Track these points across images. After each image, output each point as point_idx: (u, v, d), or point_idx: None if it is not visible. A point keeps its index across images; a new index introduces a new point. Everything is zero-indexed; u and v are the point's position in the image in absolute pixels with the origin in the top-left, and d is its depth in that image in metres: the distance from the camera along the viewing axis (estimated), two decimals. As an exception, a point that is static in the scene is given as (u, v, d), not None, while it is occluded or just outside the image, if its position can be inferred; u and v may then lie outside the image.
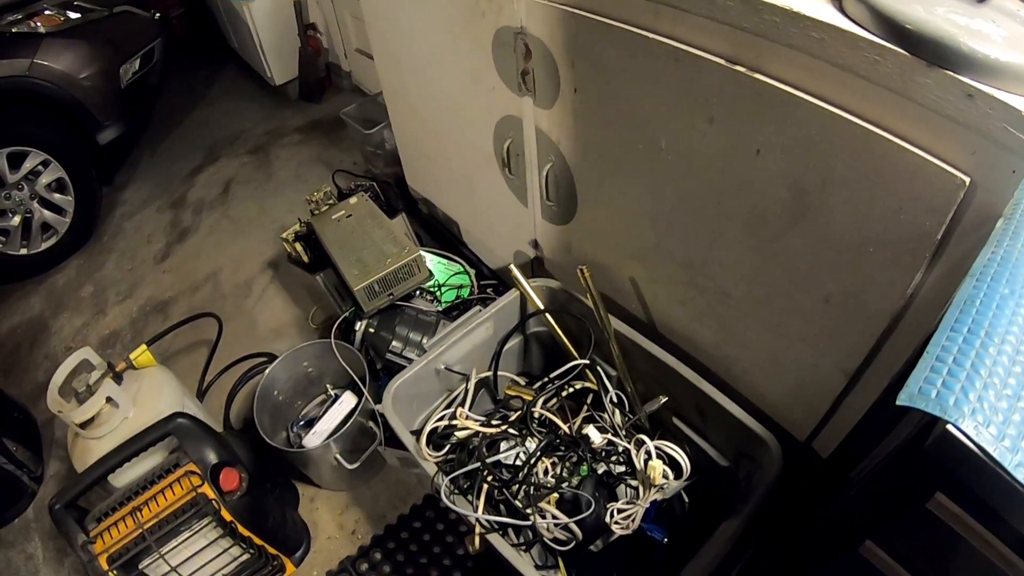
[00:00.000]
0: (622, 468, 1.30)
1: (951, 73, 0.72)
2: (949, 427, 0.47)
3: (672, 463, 1.24)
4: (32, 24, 2.71)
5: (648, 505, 1.22)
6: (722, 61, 0.95)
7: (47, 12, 2.79)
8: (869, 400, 1.05)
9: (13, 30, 2.66)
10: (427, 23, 1.58)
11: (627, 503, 1.23)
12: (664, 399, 1.31)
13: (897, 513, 0.63)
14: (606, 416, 1.35)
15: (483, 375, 1.48)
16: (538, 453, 1.26)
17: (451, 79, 1.62)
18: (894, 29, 0.76)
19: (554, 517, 1.20)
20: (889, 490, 0.63)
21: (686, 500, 1.30)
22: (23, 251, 2.79)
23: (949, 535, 0.57)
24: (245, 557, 1.58)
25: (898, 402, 0.49)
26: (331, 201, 2.14)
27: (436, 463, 1.29)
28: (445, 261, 2.02)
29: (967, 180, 0.76)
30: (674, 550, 1.24)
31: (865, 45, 0.78)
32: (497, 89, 1.45)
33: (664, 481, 1.21)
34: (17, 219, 2.71)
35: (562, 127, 1.35)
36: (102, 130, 2.91)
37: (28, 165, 2.66)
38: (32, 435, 2.21)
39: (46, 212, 2.80)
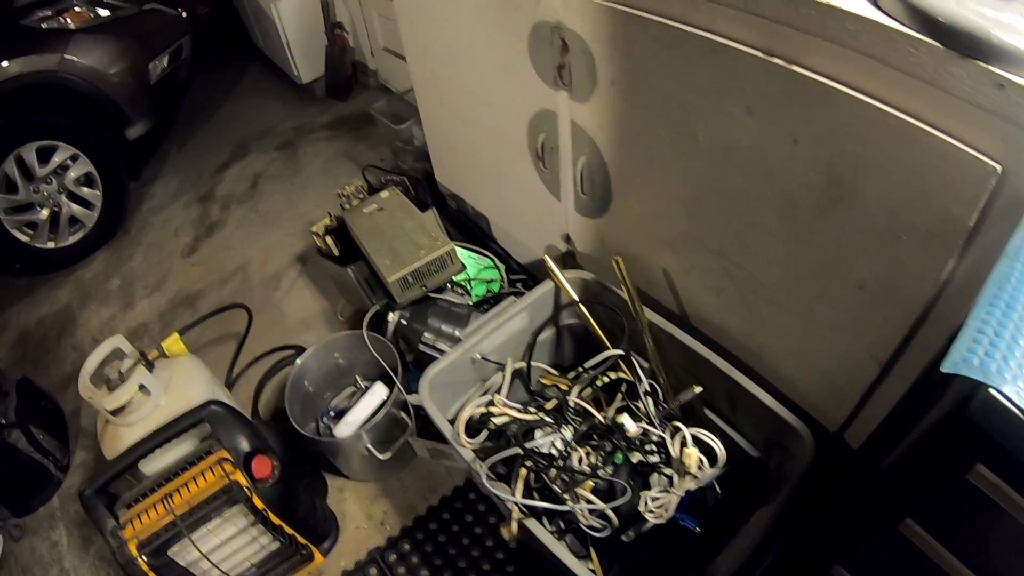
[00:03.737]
0: (655, 458, 1.31)
1: (982, 64, 0.74)
2: (992, 392, 0.49)
3: (706, 451, 1.24)
4: (62, 20, 2.75)
5: (682, 494, 1.23)
6: (759, 53, 0.96)
7: (77, 8, 2.82)
8: (901, 390, 1.05)
9: (43, 26, 2.69)
10: (461, 17, 1.59)
11: (661, 491, 1.24)
12: (699, 389, 1.32)
13: (937, 487, 0.64)
14: (640, 406, 1.35)
15: (518, 365, 1.48)
16: (579, 438, 1.26)
17: (485, 74, 1.63)
18: (927, 22, 0.77)
19: (590, 502, 1.20)
20: (928, 464, 0.64)
21: (718, 490, 1.31)
22: (51, 244, 2.83)
23: (988, 507, 0.58)
24: (275, 546, 1.59)
25: (943, 369, 0.51)
26: (362, 196, 2.14)
27: (473, 450, 1.28)
28: (475, 256, 2.02)
29: (998, 167, 0.77)
30: (706, 540, 1.24)
31: (899, 37, 0.79)
32: (532, 83, 1.46)
33: (699, 470, 1.21)
34: (46, 212, 2.75)
35: (598, 120, 1.36)
36: (131, 125, 2.94)
37: (57, 159, 2.69)
38: (59, 425, 2.24)
39: (74, 206, 2.84)
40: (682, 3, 1.04)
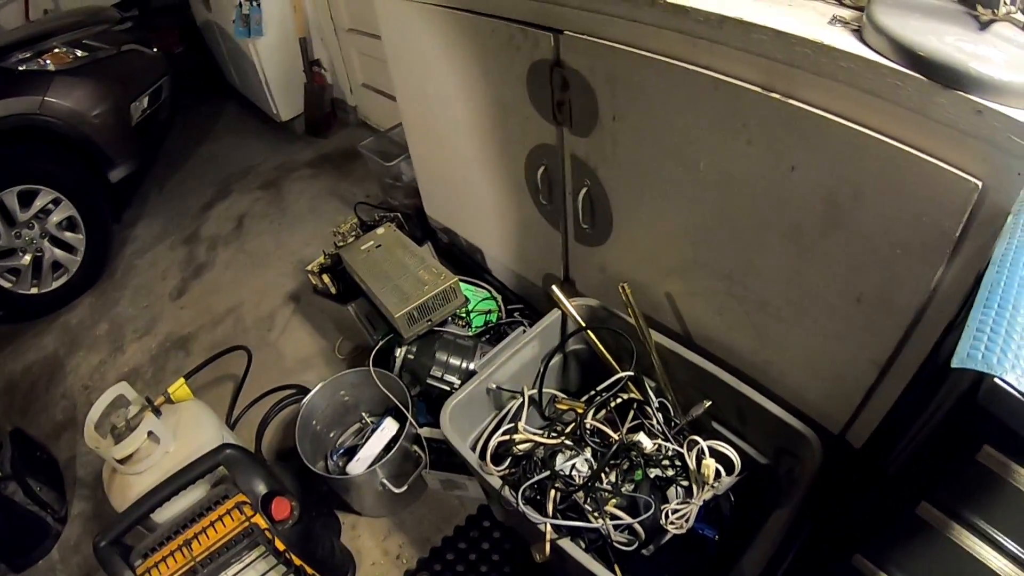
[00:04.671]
0: (672, 471, 1.36)
1: (962, 93, 0.83)
2: (996, 380, 0.57)
3: (721, 461, 1.30)
4: (42, 62, 2.73)
5: (701, 503, 1.29)
6: (758, 89, 1.04)
7: (56, 50, 2.80)
8: (898, 389, 1.13)
9: (22, 68, 2.68)
10: (456, 57, 1.64)
11: (681, 503, 1.29)
12: (708, 403, 1.38)
13: (948, 470, 0.72)
14: (653, 423, 1.41)
15: (534, 391, 1.51)
16: (607, 460, 1.31)
17: (482, 110, 1.68)
18: (912, 57, 0.86)
19: (617, 518, 1.26)
20: (939, 449, 0.72)
21: (732, 498, 1.37)
22: (34, 290, 2.81)
23: (998, 484, 0.66)
24: (295, 588, 1.58)
25: (952, 364, 0.59)
26: (356, 233, 2.16)
27: (499, 477, 1.32)
28: (472, 288, 2.05)
29: (979, 184, 0.86)
30: (724, 547, 1.31)
31: (887, 72, 0.89)
32: (531, 119, 1.52)
33: (717, 479, 1.27)
34: (28, 258, 2.73)
35: (600, 153, 1.42)
36: (113, 168, 2.94)
37: (39, 203, 2.68)
38: (55, 475, 2.21)
39: (57, 250, 2.82)
40: (682, 42, 1.11)
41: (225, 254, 3.01)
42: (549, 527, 1.21)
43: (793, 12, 1.02)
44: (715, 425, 1.45)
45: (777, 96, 1.02)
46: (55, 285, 2.86)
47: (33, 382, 2.62)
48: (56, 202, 2.72)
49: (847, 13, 1.02)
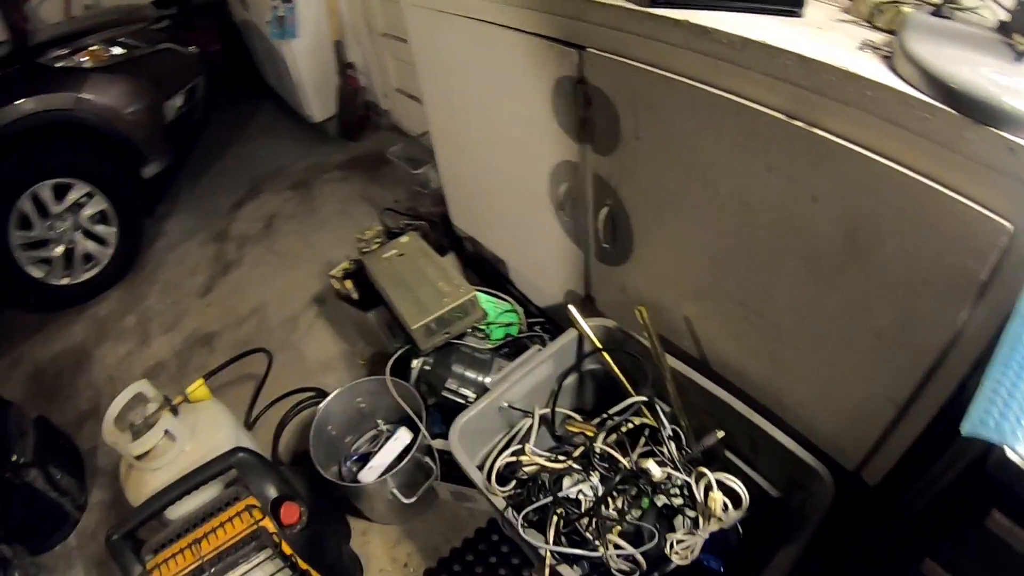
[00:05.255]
0: (680, 500, 1.33)
1: (995, 130, 0.78)
2: (1008, 451, 0.54)
3: (730, 494, 1.26)
4: (78, 59, 2.80)
5: (707, 536, 1.25)
6: (782, 116, 1.01)
7: (92, 48, 2.87)
8: (918, 429, 1.09)
9: (59, 65, 2.74)
10: (484, 68, 1.64)
11: (687, 533, 1.26)
12: (721, 434, 1.35)
13: (955, 531, 0.69)
14: (664, 450, 1.38)
15: (543, 411, 1.50)
16: (612, 488, 1.29)
17: (506, 123, 1.67)
18: (943, 89, 0.82)
19: (618, 547, 1.23)
20: (947, 510, 0.69)
21: (740, 531, 1.33)
22: (65, 280, 2.87)
23: (1004, 549, 0.63)
24: (301, 591, 1.59)
25: (962, 432, 0.56)
26: (381, 240, 2.17)
27: (504, 498, 1.31)
28: (494, 300, 2.04)
29: (1010, 226, 0.81)
30: None
31: (916, 104, 0.84)
32: (554, 135, 1.51)
33: (724, 512, 1.24)
34: (60, 249, 2.79)
35: (621, 173, 1.40)
36: (146, 164, 2.99)
37: (72, 197, 2.75)
38: (76, 463, 2.25)
39: (89, 243, 2.88)
40: (705, 64, 1.09)
41: (253, 253, 3.04)
42: (549, 552, 1.20)
43: (822, 35, 0.99)
44: (728, 454, 1.42)
45: (801, 124, 0.98)
46: (86, 276, 2.92)
47: (60, 370, 2.67)
48: (89, 196, 2.79)
49: (878, 38, 0.98)
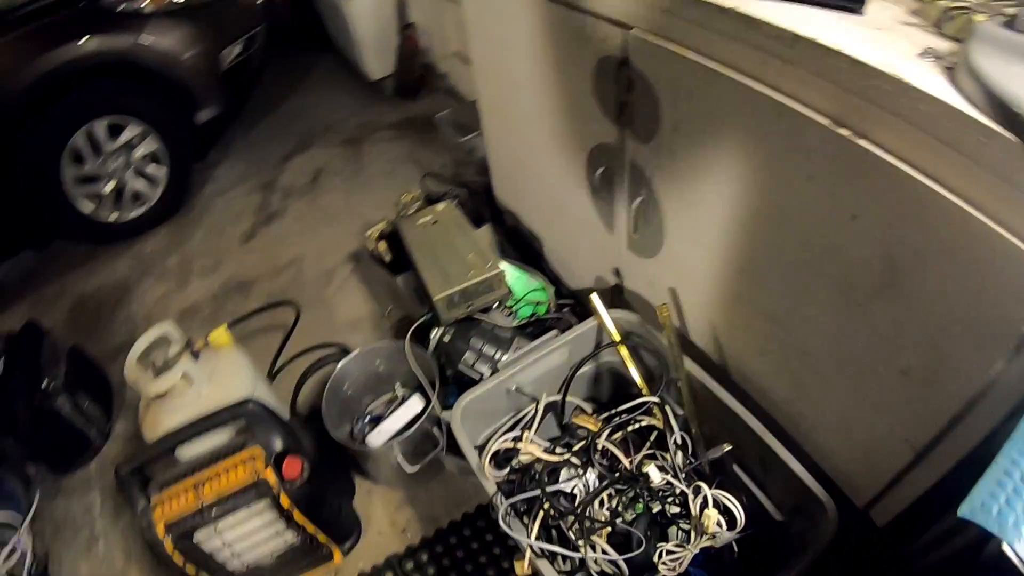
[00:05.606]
0: (676, 509, 1.30)
1: None
2: (1005, 547, 0.48)
3: (727, 512, 1.22)
4: (139, 4, 2.81)
5: (697, 551, 1.22)
6: (827, 122, 0.93)
7: (153, -8, 2.89)
8: (934, 478, 1.02)
9: (120, 8, 2.77)
10: (531, 40, 1.58)
11: (677, 546, 1.23)
12: (729, 447, 1.31)
13: None
14: (668, 456, 1.33)
15: (552, 399, 1.48)
16: (605, 488, 1.26)
17: (549, 99, 1.63)
18: (1005, 113, 0.72)
19: (604, 552, 1.20)
20: None
21: (735, 549, 1.28)
22: (114, 217, 2.95)
23: None
24: (296, 541, 1.62)
25: (959, 514, 0.50)
26: (419, 204, 2.16)
27: (496, 483, 1.29)
28: (526, 275, 2.01)
29: None
30: None
31: (973, 125, 0.75)
32: (595, 116, 1.45)
33: (717, 530, 1.20)
34: (111, 186, 2.85)
35: (658, 163, 1.34)
36: (200, 109, 3.02)
37: (126, 136, 2.80)
38: (105, 394, 2.32)
39: (139, 182, 2.94)
40: (752, 58, 1.02)
41: (297, 206, 3.06)
42: (531, 546, 1.18)
43: (882, 37, 0.90)
44: (736, 469, 1.37)
45: (846, 133, 0.91)
46: (134, 215, 2.99)
47: (100, 304, 2.75)
48: (143, 136, 2.84)
49: (943, 46, 0.88)
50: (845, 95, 0.90)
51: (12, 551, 1.81)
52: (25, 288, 2.92)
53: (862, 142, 0.89)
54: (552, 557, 1.25)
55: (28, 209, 2.71)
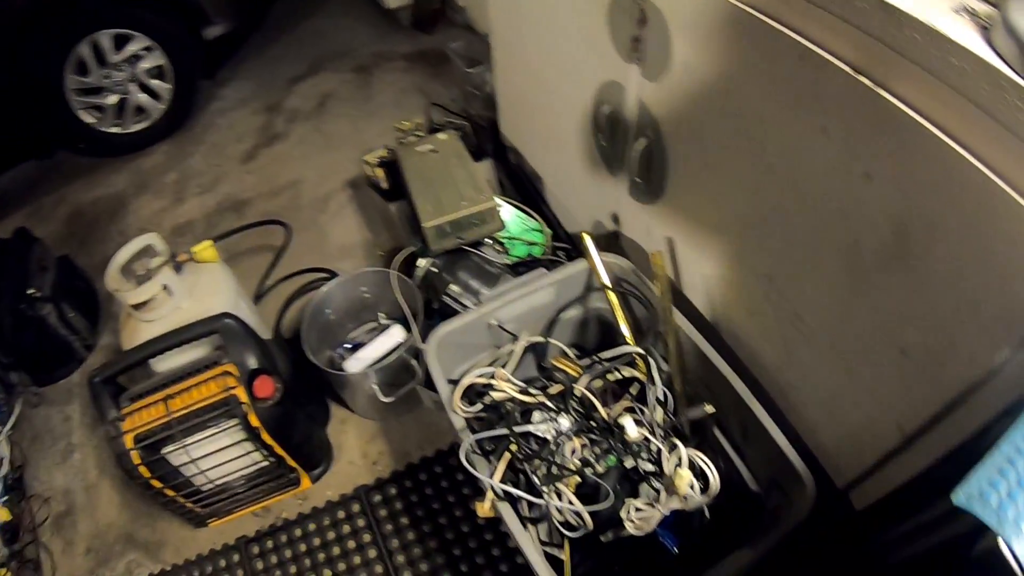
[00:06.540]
0: (650, 467, 1.25)
1: None
2: (1000, 542, 0.43)
3: (702, 476, 1.18)
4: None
5: (667, 512, 1.17)
6: (847, 68, 0.86)
7: (164, -95, 2.78)
8: (920, 466, 0.98)
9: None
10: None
11: (646, 504, 1.19)
12: (711, 410, 1.26)
13: None
14: (647, 411, 1.29)
15: (534, 339, 1.44)
16: (575, 432, 1.21)
17: (562, 32, 1.55)
18: None
19: (569, 502, 1.16)
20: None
21: (707, 515, 1.25)
22: (115, 129, 2.89)
23: None
24: (264, 463, 1.62)
25: (954, 501, 0.45)
26: (420, 133, 2.10)
27: (466, 418, 1.25)
28: (523, 215, 1.96)
29: None
30: (683, 561, 1.20)
31: (1008, 86, 0.68)
32: (606, 51, 1.38)
33: (689, 492, 1.16)
34: (114, 98, 2.79)
35: (666, 104, 1.27)
36: (209, 25, 2.93)
37: (132, 48, 2.72)
38: (92, 305, 2.31)
39: (142, 96, 2.86)
40: (774, -3, 0.94)
41: (301, 129, 3.00)
42: (493, 487, 1.15)
43: None
44: (717, 433, 1.33)
45: (866, 81, 0.83)
46: (136, 128, 2.93)
47: (97, 215, 2.74)
48: (149, 49, 2.75)
49: (981, 7, 0.80)
50: (870, 41, 0.82)
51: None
52: (25, 197, 2.90)
53: (884, 93, 0.82)
54: (515, 502, 1.21)
55: (30, 117, 2.67)
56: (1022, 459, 0.45)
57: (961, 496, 0.44)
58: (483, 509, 1.15)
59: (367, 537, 1.66)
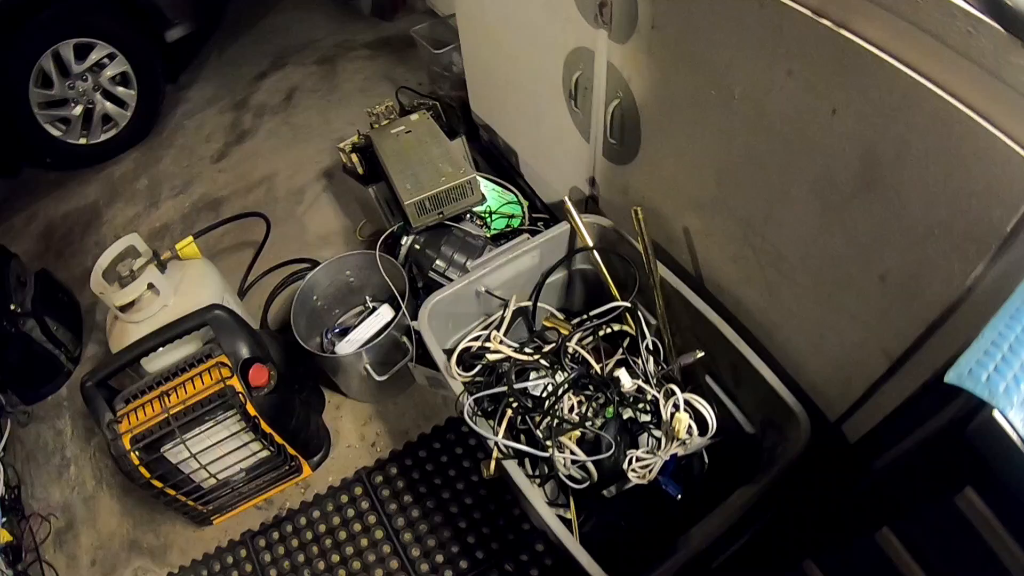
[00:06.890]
0: (647, 417, 1.29)
1: None
2: (995, 414, 0.45)
3: (699, 419, 1.21)
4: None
5: (667, 458, 1.21)
6: (808, 12, 0.89)
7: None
8: (907, 391, 1.01)
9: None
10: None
11: (647, 452, 1.22)
12: (700, 354, 1.28)
13: (922, 502, 0.61)
14: (639, 362, 1.31)
15: (523, 304, 1.45)
16: (566, 385, 1.23)
17: (528, 5, 1.57)
18: (993, 2, 0.69)
19: (572, 453, 1.17)
20: (919, 476, 0.62)
21: (706, 460, 1.29)
22: (83, 140, 2.83)
23: (970, 535, 0.55)
24: (264, 453, 1.62)
25: (946, 379, 0.47)
26: (392, 116, 2.10)
27: (464, 383, 1.27)
28: (499, 189, 1.98)
29: None
30: (686, 508, 1.23)
31: (959, 14, 0.72)
32: (573, 18, 1.40)
33: (687, 436, 1.19)
34: (79, 109, 2.74)
35: (634, 64, 1.30)
36: (170, 28, 2.89)
37: (94, 57, 2.66)
38: (74, 317, 2.29)
39: (108, 104, 2.81)
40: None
41: (270, 124, 2.97)
42: (497, 445, 1.16)
43: None
44: (708, 380, 1.36)
45: (828, 23, 0.87)
46: (103, 138, 2.88)
47: (71, 228, 2.70)
48: (111, 57, 2.70)
49: None
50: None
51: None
52: (-7, 217, 2.85)
53: (844, 32, 0.86)
54: (520, 460, 1.23)
55: (-5, 135, 2.62)
56: (1006, 340, 0.48)
57: (952, 376, 0.46)
58: (489, 469, 1.17)
59: (372, 518, 1.67)
